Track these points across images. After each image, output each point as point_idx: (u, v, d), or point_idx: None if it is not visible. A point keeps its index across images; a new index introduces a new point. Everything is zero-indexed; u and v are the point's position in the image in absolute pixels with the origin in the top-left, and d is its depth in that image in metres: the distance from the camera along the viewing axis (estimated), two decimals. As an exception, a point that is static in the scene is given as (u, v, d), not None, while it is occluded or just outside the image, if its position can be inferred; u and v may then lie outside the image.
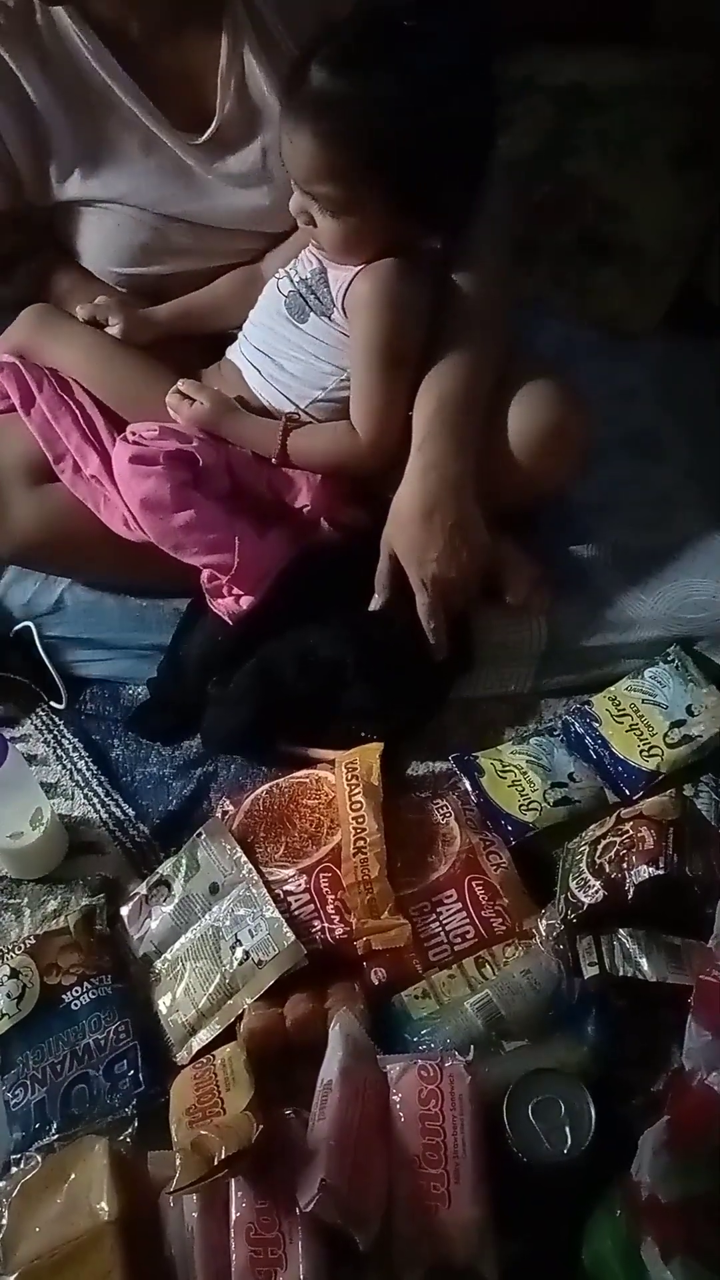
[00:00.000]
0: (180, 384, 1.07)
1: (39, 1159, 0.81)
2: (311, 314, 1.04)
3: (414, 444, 1.01)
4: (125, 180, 1.05)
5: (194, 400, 1.06)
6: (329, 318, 1.03)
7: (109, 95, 1.02)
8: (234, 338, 1.12)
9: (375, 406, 1.02)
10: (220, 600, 1.07)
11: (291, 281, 1.06)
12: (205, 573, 1.06)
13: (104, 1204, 0.74)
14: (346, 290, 1.01)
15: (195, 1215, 0.74)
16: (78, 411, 1.06)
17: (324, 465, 1.07)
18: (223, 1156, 0.71)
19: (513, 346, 1.07)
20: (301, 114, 0.91)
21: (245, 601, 1.06)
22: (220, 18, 1.01)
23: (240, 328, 1.12)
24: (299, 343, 1.06)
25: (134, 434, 1.04)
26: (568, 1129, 0.73)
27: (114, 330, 1.10)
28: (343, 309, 1.02)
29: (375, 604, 1.07)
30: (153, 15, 1.01)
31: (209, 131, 1.04)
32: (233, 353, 1.12)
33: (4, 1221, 0.77)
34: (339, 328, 1.03)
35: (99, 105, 1.02)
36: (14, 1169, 0.81)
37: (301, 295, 1.04)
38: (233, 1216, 0.72)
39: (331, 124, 0.91)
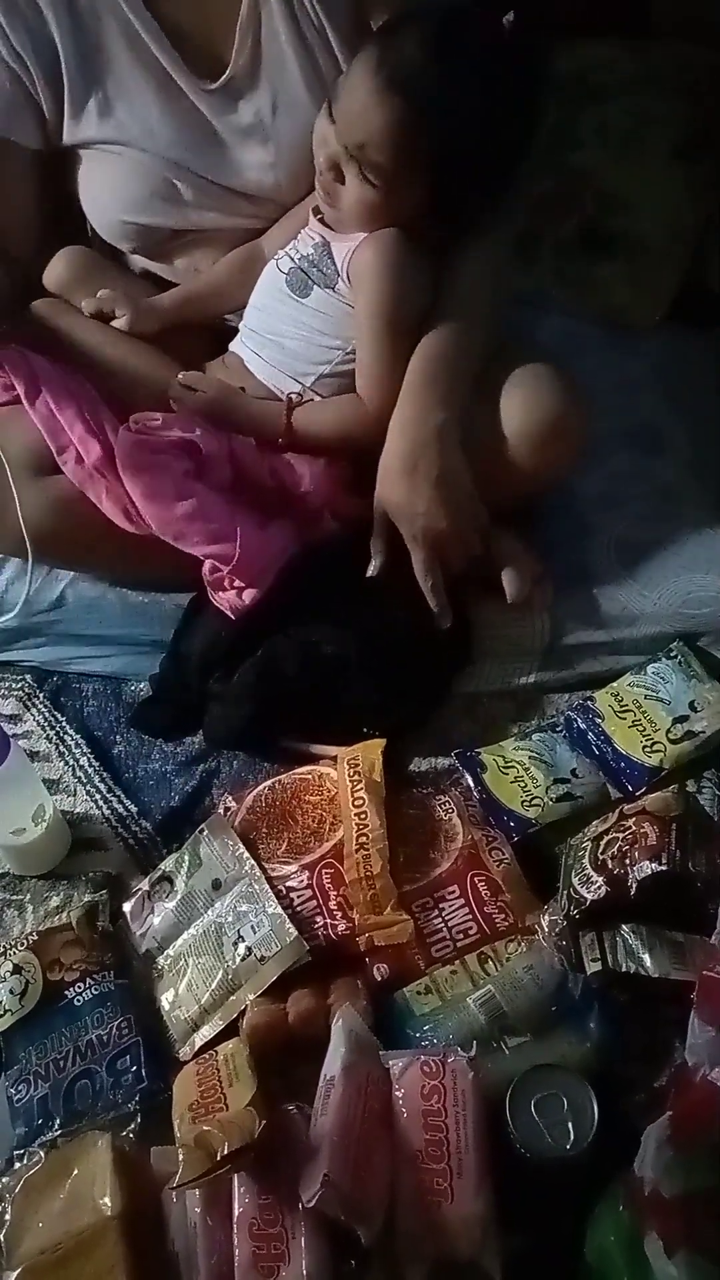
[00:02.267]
0: (182, 375, 1.07)
1: (42, 1155, 0.81)
2: (314, 287, 1.05)
3: (397, 403, 1.02)
4: (138, 122, 1.06)
5: (196, 389, 1.06)
6: (332, 289, 1.04)
7: (129, 31, 1.03)
8: (236, 333, 1.12)
9: (381, 373, 1.03)
10: (222, 593, 1.07)
11: (292, 259, 1.06)
12: (207, 564, 1.06)
13: (107, 1199, 0.75)
14: (350, 259, 1.02)
15: (198, 1210, 0.74)
16: (82, 403, 1.06)
17: (330, 438, 1.07)
18: (225, 1152, 0.71)
19: (511, 339, 1.08)
20: (388, 79, 0.92)
21: (247, 595, 1.06)
22: None
23: (242, 313, 1.12)
24: (301, 319, 1.06)
25: (137, 424, 1.04)
26: (570, 1124, 0.74)
27: (121, 322, 1.10)
28: (347, 278, 1.03)
29: (372, 569, 1.07)
30: None
31: (223, 78, 1.05)
32: (235, 345, 1.12)
33: (7, 1217, 0.77)
34: (342, 298, 1.04)
35: (118, 41, 1.03)
36: (17, 1164, 0.81)
37: (303, 270, 1.05)
38: (235, 1212, 0.73)
39: (415, 101, 0.92)
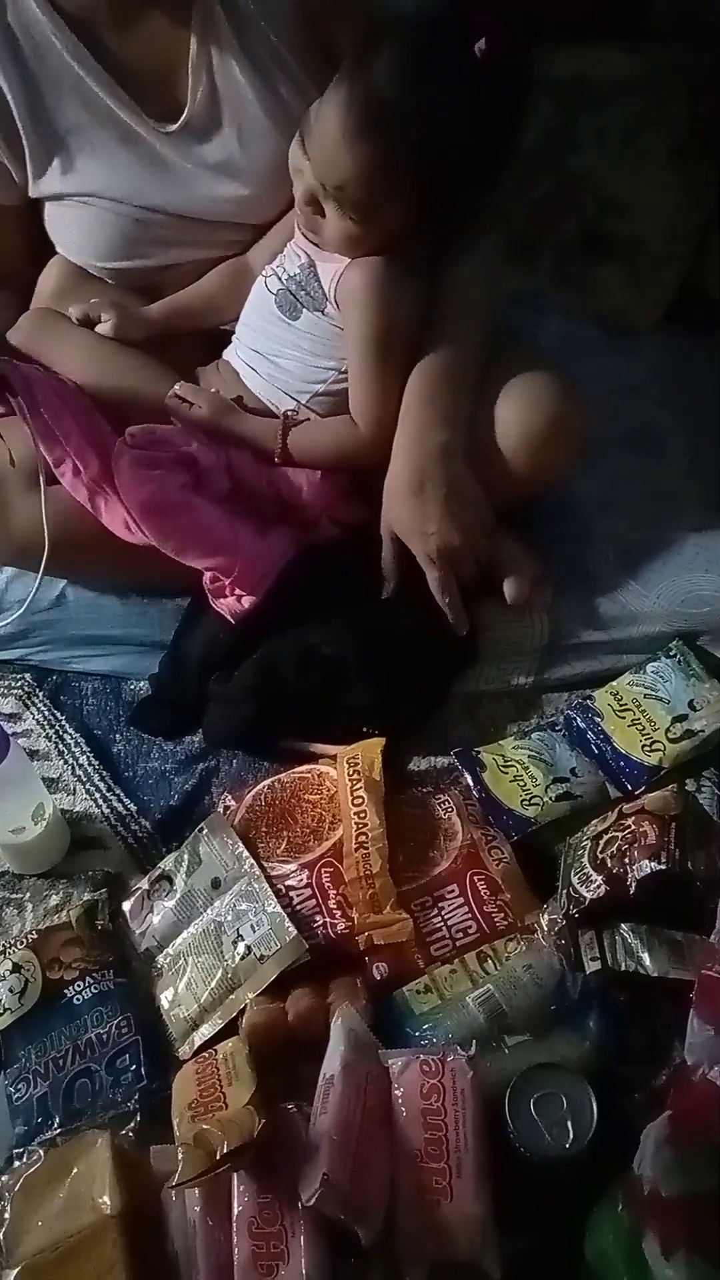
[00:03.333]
0: (178, 387, 1.07)
1: (41, 1153, 0.81)
2: (304, 310, 1.04)
3: (398, 423, 1.02)
4: (102, 173, 1.05)
5: (192, 403, 1.06)
6: (322, 312, 1.04)
7: (82, 87, 1.02)
8: (230, 337, 1.12)
9: (374, 397, 1.03)
10: (222, 600, 1.07)
11: (280, 279, 1.06)
12: (207, 574, 1.06)
13: (106, 1198, 0.74)
14: (337, 283, 1.01)
15: (197, 1209, 0.74)
16: (78, 415, 1.06)
17: (326, 460, 1.07)
18: (225, 1151, 0.71)
19: (511, 340, 1.08)
20: (362, 119, 0.90)
21: (247, 601, 1.06)
22: (189, 3, 1.00)
23: (232, 322, 1.12)
24: (293, 340, 1.06)
25: (133, 437, 1.04)
26: (569, 1124, 0.73)
27: (106, 327, 1.10)
28: (335, 302, 1.02)
29: (386, 591, 1.07)
30: (120, 1, 1.00)
31: (181, 119, 1.04)
32: (229, 354, 1.12)
33: (6, 1216, 0.77)
34: (332, 321, 1.04)
35: (71, 96, 1.02)
36: (16, 1163, 0.81)
37: (291, 292, 1.05)
38: (235, 1211, 0.73)
39: (392, 136, 0.90)
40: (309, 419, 1.07)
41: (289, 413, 1.07)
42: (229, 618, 1.07)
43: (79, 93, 1.02)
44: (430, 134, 0.91)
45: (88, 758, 1.10)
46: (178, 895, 0.95)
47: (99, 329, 1.10)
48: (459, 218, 1.01)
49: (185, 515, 1.02)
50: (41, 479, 1.04)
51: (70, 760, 1.10)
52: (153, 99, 1.03)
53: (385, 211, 0.96)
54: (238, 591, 1.06)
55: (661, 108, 1.40)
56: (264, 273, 1.08)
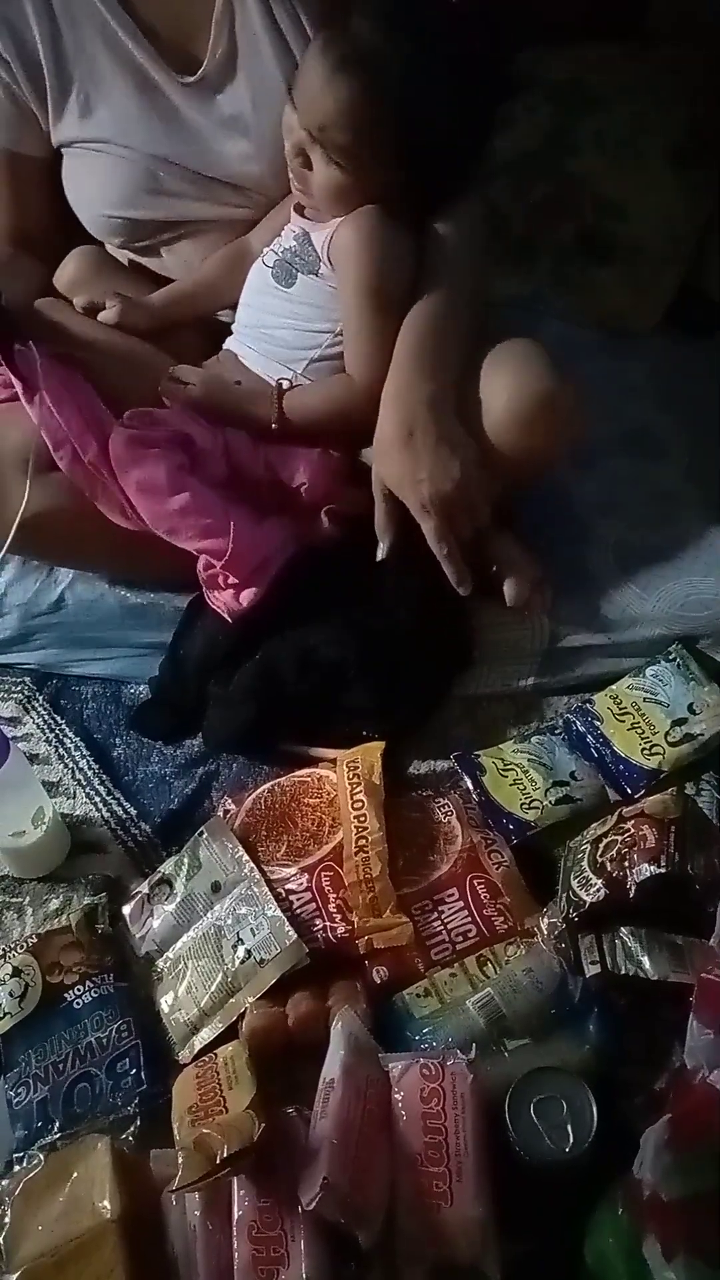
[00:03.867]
0: (172, 370, 1.08)
1: (41, 1158, 0.81)
2: (299, 274, 1.06)
3: (387, 377, 1.02)
4: (117, 119, 1.07)
5: (187, 383, 1.06)
6: (316, 274, 1.05)
7: (106, 30, 1.04)
8: (230, 332, 1.13)
9: (369, 348, 1.04)
10: (217, 593, 1.07)
11: (276, 253, 1.08)
12: (201, 561, 1.06)
13: (106, 1202, 0.74)
14: (330, 242, 1.03)
15: (197, 1214, 0.74)
16: (79, 400, 1.07)
17: (323, 418, 1.07)
18: (225, 1155, 0.71)
19: (502, 328, 1.08)
20: (340, 60, 0.94)
21: (244, 597, 1.06)
22: None
23: (232, 309, 1.13)
24: (289, 309, 1.07)
25: (131, 419, 1.04)
26: (569, 1127, 0.73)
27: (110, 314, 1.10)
28: (329, 261, 1.04)
29: (381, 551, 1.06)
30: None
31: (199, 72, 1.05)
32: (230, 342, 1.13)
33: (6, 1220, 0.77)
34: (327, 282, 1.05)
35: (96, 40, 1.05)
36: (16, 1167, 0.81)
37: (286, 261, 1.07)
38: (235, 1215, 0.73)
39: (369, 78, 0.93)
40: (303, 385, 1.08)
41: (281, 382, 1.08)
42: (225, 615, 1.07)
43: (103, 36, 1.04)
44: (407, 78, 0.94)
45: (88, 761, 1.10)
46: (178, 899, 0.95)
47: (102, 316, 1.11)
48: (443, 174, 1.02)
49: (179, 495, 1.02)
50: (69, 459, 1.05)
51: (70, 764, 1.11)
52: (173, 50, 1.05)
53: (368, 156, 0.97)
54: (232, 581, 1.05)
55: (660, 110, 1.40)
56: (262, 254, 1.10)
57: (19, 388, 1.07)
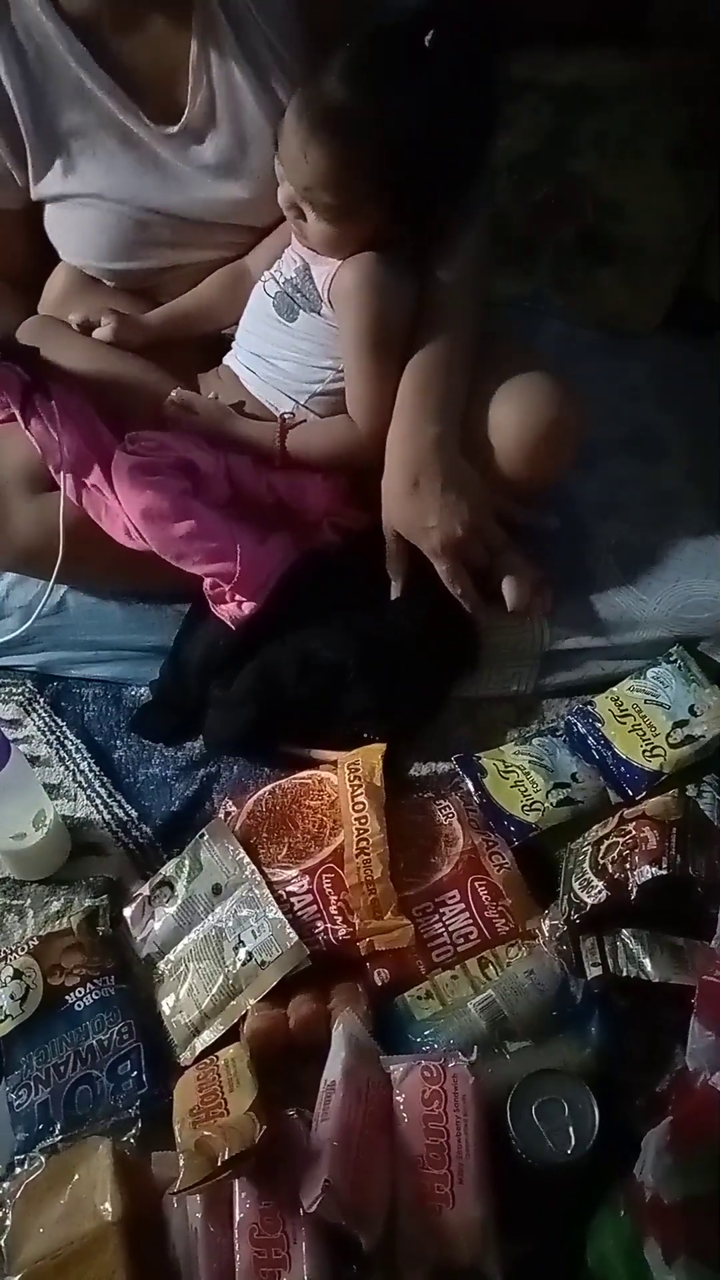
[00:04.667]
0: (175, 394, 1.07)
1: (43, 1160, 0.81)
2: (300, 311, 1.05)
3: (392, 421, 1.02)
4: (102, 174, 1.06)
5: (190, 409, 1.06)
6: (318, 312, 1.04)
7: (83, 88, 1.02)
8: (230, 343, 1.13)
9: (370, 394, 1.03)
10: (223, 606, 1.07)
11: (277, 283, 1.06)
12: (208, 580, 1.06)
13: (108, 1205, 0.75)
14: (331, 283, 1.02)
15: (199, 1216, 0.74)
16: (79, 420, 1.06)
17: (325, 460, 1.07)
18: (226, 1157, 0.71)
19: (506, 344, 1.08)
20: (314, 125, 0.93)
21: (248, 607, 1.06)
22: (190, 6, 1.01)
23: (231, 328, 1.12)
24: (291, 342, 1.06)
25: (132, 443, 1.04)
26: (571, 1129, 0.74)
27: (105, 332, 1.10)
28: (329, 301, 1.03)
29: (395, 591, 1.07)
30: (122, 4, 1.01)
31: (181, 121, 1.04)
32: (229, 359, 1.12)
33: (8, 1223, 0.77)
34: (328, 321, 1.04)
35: (73, 99, 1.03)
36: (18, 1170, 0.81)
37: (288, 294, 1.05)
38: (236, 1217, 0.73)
39: (345, 140, 0.92)
40: (307, 419, 1.08)
41: (286, 415, 1.07)
42: (229, 623, 1.07)
43: (80, 95, 1.03)
44: (387, 133, 0.93)
45: (89, 764, 1.10)
46: (179, 901, 0.95)
47: (97, 334, 1.10)
48: (439, 213, 1.01)
49: (184, 522, 1.02)
50: (65, 483, 1.04)
51: (71, 766, 1.11)
52: (153, 101, 1.04)
53: (356, 211, 0.97)
54: (238, 598, 1.06)
55: (661, 111, 1.40)
56: (262, 278, 1.09)
57: (15, 408, 1.07)
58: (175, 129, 1.04)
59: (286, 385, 1.07)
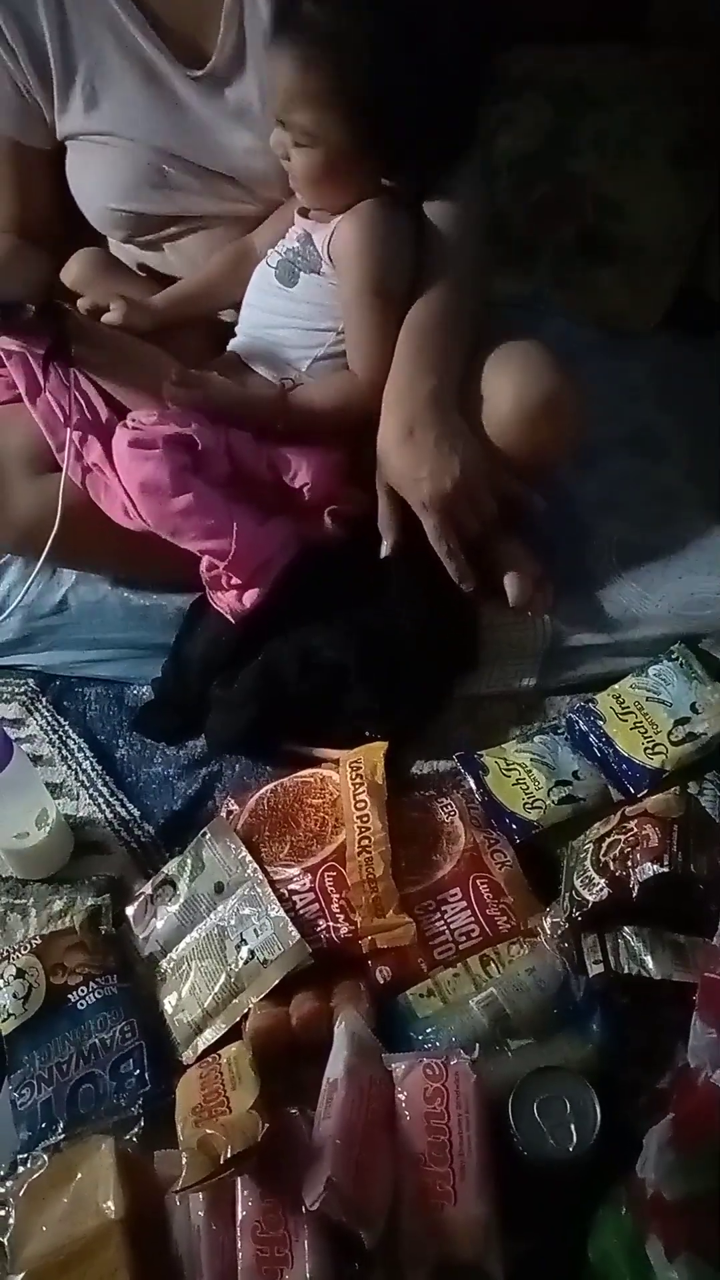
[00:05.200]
0: (175, 372, 1.08)
1: (45, 1158, 0.81)
2: (300, 274, 1.06)
3: (389, 375, 1.03)
4: (122, 111, 1.06)
5: (192, 384, 1.07)
6: (318, 272, 1.05)
7: (115, 22, 1.03)
8: (233, 329, 1.14)
9: (371, 344, 1.04)
10: (220, 594, 1.07)
11: (279, 254, 1.08)
12: (204, 561, 1.06)
13: (110, 1203, 0.74)
14: (330, 240, 1.03)
15: (201, 1214, 0.74)
16: (82, 400, 1.07)
17: (327, 415, 1.07)
18: (228, 1155, 0.71)
19: (508, 337, 1.08)
20: (283, 38, 0.95)
21: (246, 598, 1.06)
22: None
23: (235, 309, 1.13)
24: (291, 308, 1.08)
25: (134, 420, 1.05)
26: (573, 1127, 0.73)
27: (113, 316, 1.10)
28: (330, 258, 1.04)
29: (385, 549, 1.07)
30: None
31: (208, 66, 1.05)
32: (234, 343, 1.13)
33: (11, 1221, 0.77)
34: (329, 279, 1.05)
35: (103, 31, 1.04)
36: (20, 1168, 0.81)
37: (289, 261, 1.07)
38: (238, 1215, 0.73)
39: (309, 50, 0.94)
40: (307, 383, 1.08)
41: (285, 381, 1.08)
42: (228, 616, 1.07)
43: (111, 27, 1.04)
44: (360, 53, 0.94)
45: (91, 763, 1.11)
46: (181, 900, 0.95)
47: (106, 318, 1.11)
48: (422, 153, 1.01)
49: (182, 496, 1.02)
50: (67, 462, 1.04)
51: (73, 765, 1.11)
52: (181, 43, 1.05)
53: (333, 132, 0.97)
54: (235, 581, 1.05)
55: (661, 110, 1.40)
56: (266, 256, 1.10)
57: (22, 388, 1.07)
58: (200, 72, 1.05)
59: (288, 353, 1.08)
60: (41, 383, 1.07)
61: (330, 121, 0.96)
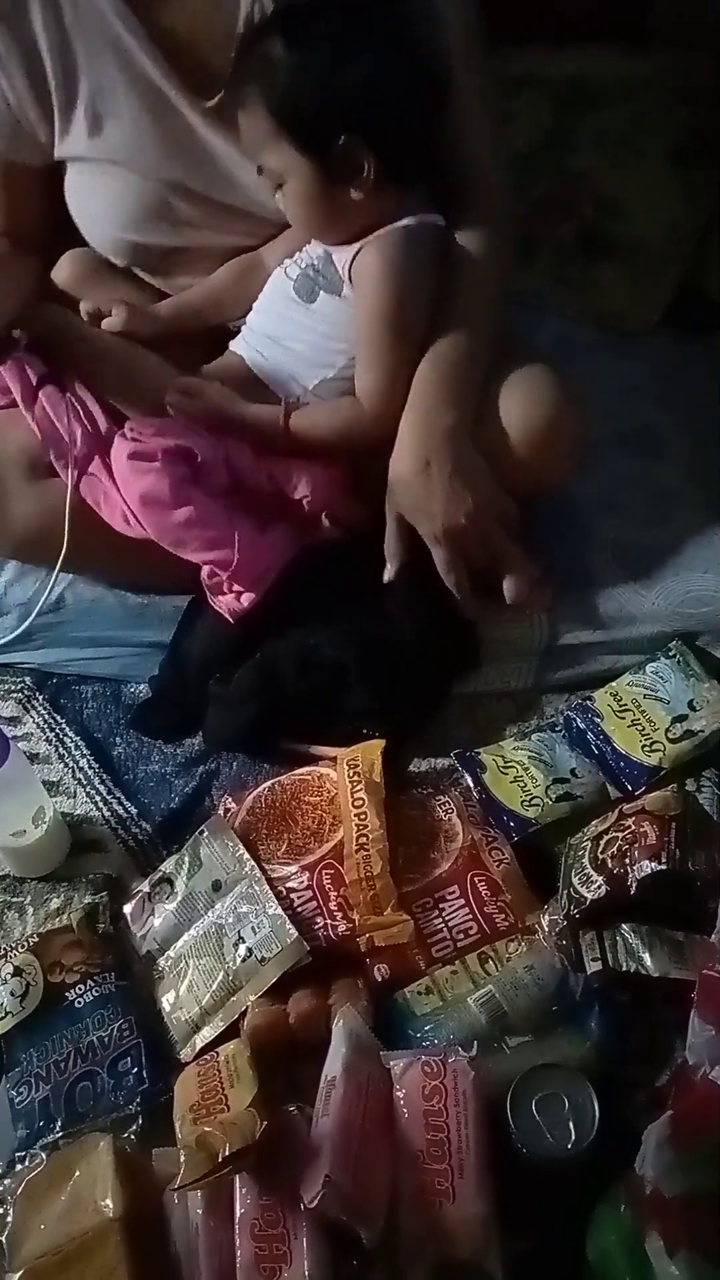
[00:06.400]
0: (178, 381, 1.07)
1: (43, 1157, 0.81)
2: (321, 292, 1.05)
3: (408, 404, 1.02)
4: (129, 139, 1.03)
5: (194, 396, 1.06)
6: (338, 294, 1.04)
7: (120, 46, 1.00)
8: (235, 334, 1.12)
9: (380, 376, 1.03)
10: (221, 597, 1.07)
11: (299, 266, 1.06)
12: (205, 569, 1.06)
13: (108, 1201, 0.74)
14: (352, 263, 1.02)
15: (199, 1212, 0.74)
16: (79, 408, 1.06)
17: (328, 440, 1.07)
18: (227, 1153, 0.71)
19: (510, 342, 1.08)
20: (238, 82, 0.95)
21: (246, 599, 1.06)
22: None
23: (240, 321, 1.12)
24: (308, 323, 1.06)
25: (133, 430, 1.04)
26: (571, 1124, 0.73)
27: (114, 322, 1.09)
28: (350, 280, 1.03)
29: (388, 574, 1.07)
30: None
31: (219, 96, 1.01)
32: (237, 344, 1.12)
33: (9, 1219, 0.77)
34: (348, 302, 1.04)
35: (107, 56, 1.00)
36: (18, 1167, 0.81)
37: (310, 276, 1.05)
38: (237, 1213, 0.73)
39: (246, 91, 0.94)
40: (311, 404, 1.08)
41: (289, 399, 1.07)
42: (227, 616, 1.07)
43: (115, 51, 1.00)
44: (298, 85, 0.93)
45: (88, 761, 1.10)
46: (179, 898, 0.95)
47: (106, 324, 1.10)
48: (409, 169, 1.00)
49: (183, 508, 1.02)
50: (70, 474, 1.04)
51: (70, 763, 1.11)
52: (191, 70, 1.01)
53: (296, 170, 0.96)
54: (236, 588, 1.05)
55: (661, 109, 1.40)
56: (283, 264, 1.08)
57: (18, 395, 1.07)
58: (212, 103, 1.02)
59: (297, 368, 1.07)
60: (37, 389, 1.07)
61: (287, 156, 0.96)
